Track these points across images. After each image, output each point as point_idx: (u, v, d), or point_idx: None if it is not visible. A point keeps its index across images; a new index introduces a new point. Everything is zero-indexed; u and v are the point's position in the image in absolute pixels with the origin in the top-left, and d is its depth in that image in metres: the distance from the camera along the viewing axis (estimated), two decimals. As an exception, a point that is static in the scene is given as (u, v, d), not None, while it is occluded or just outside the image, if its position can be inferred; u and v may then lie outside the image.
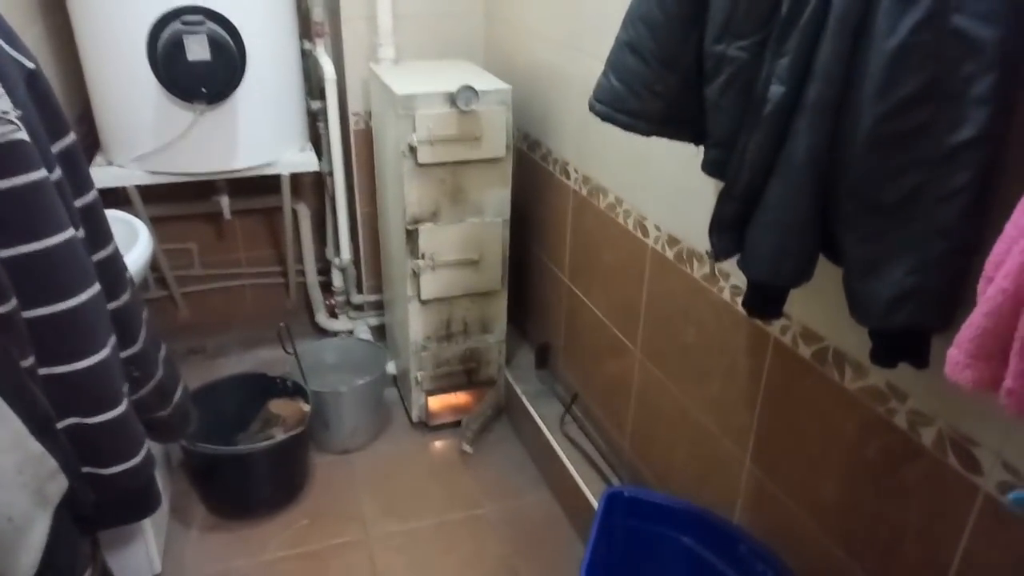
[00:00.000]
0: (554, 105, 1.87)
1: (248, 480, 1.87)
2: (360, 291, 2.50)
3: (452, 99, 1.75)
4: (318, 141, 2.25)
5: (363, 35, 2.12)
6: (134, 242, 1.45)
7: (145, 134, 1.87)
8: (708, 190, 1.19)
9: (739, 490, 1.34)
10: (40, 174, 0.78)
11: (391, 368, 2.28)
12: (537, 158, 2.02)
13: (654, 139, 1.00)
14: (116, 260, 0.99)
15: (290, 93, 2.06)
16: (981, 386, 0.64)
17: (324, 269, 2.52)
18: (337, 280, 2.47)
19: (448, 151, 1.81)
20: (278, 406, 2.00)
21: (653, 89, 0.92)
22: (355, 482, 2.01)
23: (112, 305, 0.95)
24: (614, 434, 1.79)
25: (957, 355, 0.65)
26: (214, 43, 1.74)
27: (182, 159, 1.92)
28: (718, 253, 0.92)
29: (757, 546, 1.25)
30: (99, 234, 0.95)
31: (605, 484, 1.74)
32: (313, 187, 2.43)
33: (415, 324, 2.03)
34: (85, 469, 0.90)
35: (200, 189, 2.20)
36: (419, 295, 1.97)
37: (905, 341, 0.82)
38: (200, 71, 1.76)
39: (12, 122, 0.75)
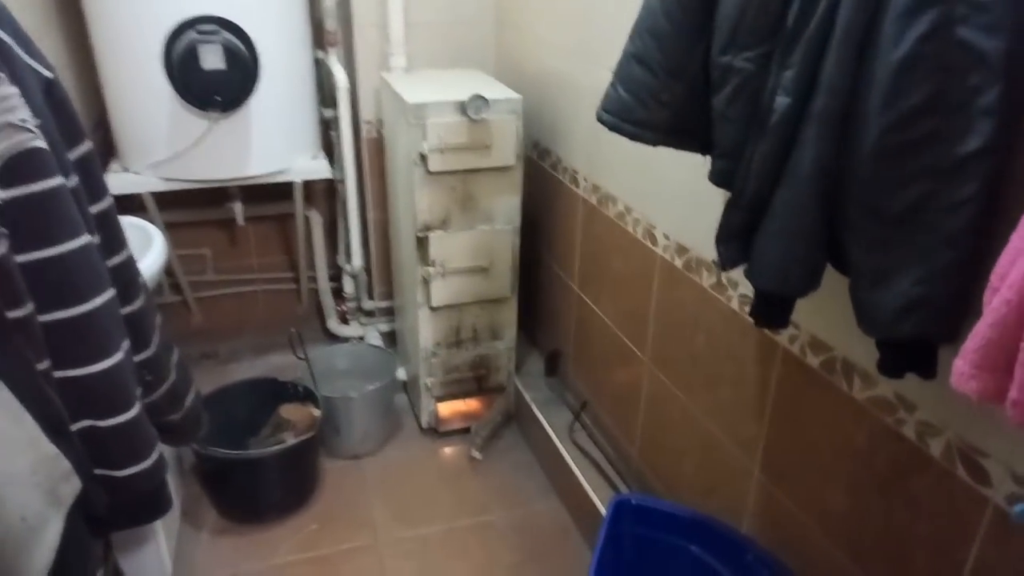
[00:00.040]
0: (564, 114, 1.88)
1: (259, 484, 1.88)
2: (371, 297, 2.51)
3: (463, 108, 1.76)
4: (330, 149, 2.27)
5: (375, 44, 2.14)
6: (148, 248, 1.47)
7: (160, 141, 1.90)
8: (716, 200, 1.19)
9: (747, 499, 1.34)
10: (57, 181, 0.80)
11: (401, 374, 2.29)
12: (547, 166, 2.03)
13: (663, 148, 1.01)
14: (130, 265, 1.00)
15: (303, 101, 2.09)
16: (986, 397, 0.64)
17: (336, 275, 2.54)
18: (348, 286, 2.49)
19: (459, 159, 1.83)
20: (289, 411, 2.02)
21: (660, 99, 0.93)
22: (365, 487, 2.02)
23: (126, 310, 0.97)
24: (623, 442, 1.79)
25: (962, 366, 0.65)
26: (228, 52, 1.76)
27: (196, 166, 1.95)
28: (725, 262, 0.92)
29: (764, 555, 1.24)
30: (114, 240, 0.96)
31: (613, 492, 1.74)
32: (325, 194, 2.45)
33: (425, 331, 2.04)
34: (98, 471, 0.91)
35: (214, 196, 2.22)
36: (429, 302, 1.98)
37: (912, 351, 0.82)
38: (215, 80, 1.78)
39: (30, 130, 0.77)
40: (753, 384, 1.28)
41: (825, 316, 1.08)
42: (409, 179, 1.86)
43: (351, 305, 2.53)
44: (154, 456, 0.97)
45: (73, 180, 0.86)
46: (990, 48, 0.65)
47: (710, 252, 0.98)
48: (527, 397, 2.13)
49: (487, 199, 1.91)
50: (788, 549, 1.23)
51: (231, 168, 1.99)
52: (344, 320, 2.56)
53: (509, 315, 2.10)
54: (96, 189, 0.93)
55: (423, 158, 1.80)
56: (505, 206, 1.94)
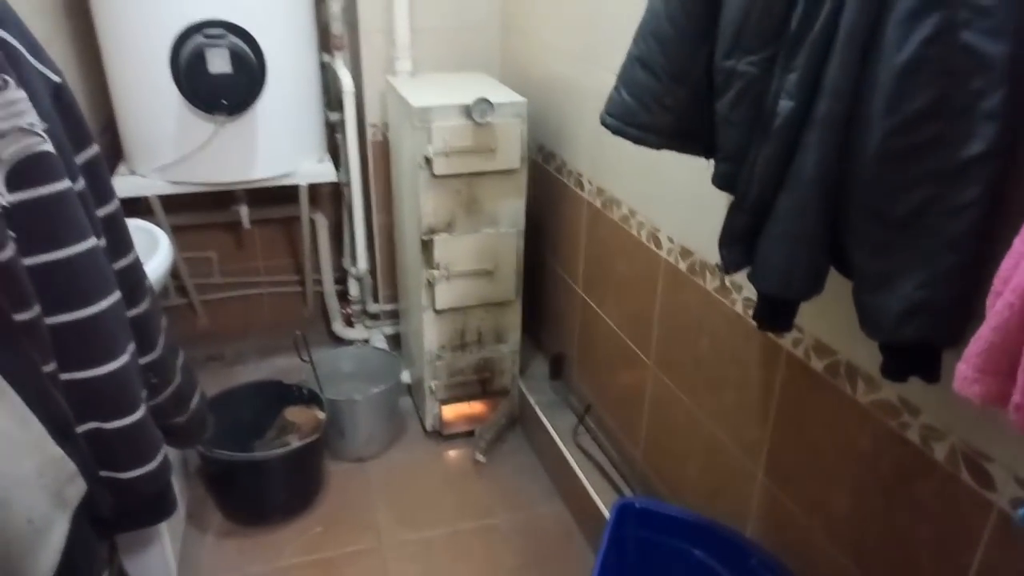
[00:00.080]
0: (569, 117, 1.88)
1: (263, 487, 1.89)
2: (376, 300, 2.52)
3: (468, 111, 1.77)
4: (336, 152, 2.28)
5: (381, 48, 2.15)
6: (155, 250, 1.48)
7: (167, 145, 1.91)
8: (720, 203, 1.19)
9: (751, 502, 1.34)
10: (64, 184, 0.81)
11: (406, 377, 2.30)
12: (552, 169, 2.03)
13: (667, 152, 1.01)
14: (136, 268, 1.01)
15: (309, 105, 2.09)
16: (989, 401, 0.64)
17: (341, 278, 2.54)
18: (354, 289, 2.50)
19: (463, 162, 1.83)
20: (294, 413, 2.02)
21: (663, 103, 0.93)
22: (369, 490, 2.03)
23: (132, 312, 0.97)
24: (627, 445, 1.79)
25: (965, 369, 0.65)
26: (235, 56, 1.77)
27: (203, 169, 1.96)
28: (728, 266, 0.93)
29: (769, 559, 1.24)
30: (120, 243, 0.97)
31: (617, 495, 1.74)
32: (331, 197, 2.46)
33: (430, 333, 2.04)
34: (103, 473, 0.92)
35: (220, 199, 2.23)
36: (434, 305, 1.99)
37: (916, 355, 0.82)
38: (221, 83, 1.79)
39: (38, 134, 0.77)
40: (757, 387, 1.28)
41: (829, 319, 1.08)
42: (414, 182, 1.86)
43: (356, 308, 2.53)
44: (159, 458, 0.98)
45: (80, 183, 0.86)
46: (993, 52, 0.66)
47: (714, 255, 0.98)
48: (531, 400, 2.13)
49: (492, 202, 1.92)
50: (792, 553, 1.23)
51: (237, 171, 1.99)
52: (349, 323, 2.57)
53: (513, 318, 2.10)
54: (103, 192, 0.94)
55: (428, 161, 1.80)
56: (510, 209, 1.94)
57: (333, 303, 2.55)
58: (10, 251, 0.74)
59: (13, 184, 0.76)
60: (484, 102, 1.76)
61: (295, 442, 1.89)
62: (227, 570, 1.77)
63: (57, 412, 0.82)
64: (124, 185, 1.95)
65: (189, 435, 1.19)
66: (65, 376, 0.85)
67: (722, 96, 0.87)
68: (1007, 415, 0.62)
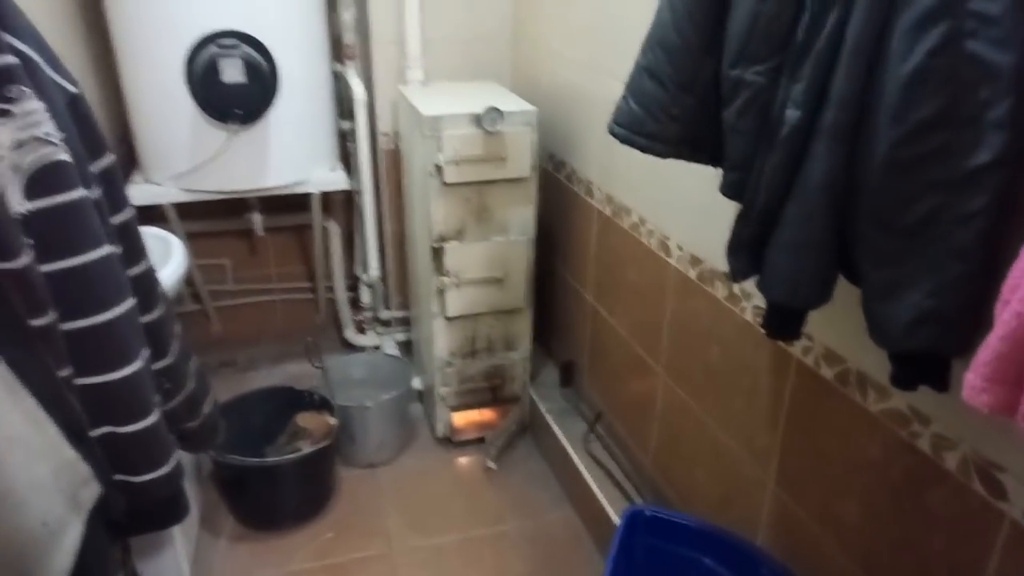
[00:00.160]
0: (578, 125, 1.89)
1: (275, 492, 1.90)
2: (387, 307, 2.53)
3: (478, 120, 1.78)
4: (348, 160, 2.29)
5: (393, 58, 2.16)
6: (169, 258, 1.49)
7: (181, 153, 1.93)
8: (729, 211, 1.18)
9: (762, 511, 1.33)
10: (80, 193, 0.82)
11: (417, 384, 2.30)
12: (562, 178, 2.04)
13: (676, 160, 1.02)
14: (150, 275, 1.02)
15: (321, 114, 2.11)
16: (998, 410, 0.64)
17: (353, 285, 2.56)
18: (365, 296, 2.51)
19: (474, 171, 1.84)
20: (305, 419, 2.03)
21: (670, 112, 0.93)
22: (380, 496, 2.03)
23: (146, 319, 0.99)
24: (637, 453, 1.79)
25: (974, 379, 0.65)
26: (248, 66, 1.80)
27: (216, 178, 1.98)
28: (736, 274, 0.93)
29: (779, 568, 1.24)
30: (134, 250, 0.98)
31: (627, 502, 1.73)
32: (343, 205, 2.47)
33: (440, 340, 2.05)
34: (117, 476, 0.93)
35: (233, 207, 2.26)
36: (444, 312, 1.99)
37: (925, 364, 0.82)
38: (235, 93, 1.81)
39: (55, 144, 0.79)
40: (767, 395, 1.28)
41: (839, 328, 1.08)
42: (425, 190, 1.88)
43: (368, 315, 2.55)
44: (172, 462, 0.99)
45: (96, 192, 0.88)
46: (1000, 61, 0.66)
47: (723, 263, 0.98)
48: (542, 407, 2.14)
49: (502, 210, 1.92)
50: (802, 562, 1.22)
51: (250, 179, 2.02)
52: (361, 330, 2.58)
53: (524, 326, 2.11)
54: (118, 200, 0.96)
55: (439, 169, 1.82)
56: (520, 217, 1.95)
57: (345, 310, 2.56)
58: (27, 258, 0.76)
59: (30, 192, 0.77)
60: (494, 111, 1.77)
61: (307, 448, 1.90)
62: (239, 574, 1.78)
63: (72, 416, 0.83)
64: (139, 193, 1.98)
65: (202, 440, 1.21)
66: (80, 381, 0.86)
67: (729, 105, 0.87)
68: (1016, 424, 0.62)
